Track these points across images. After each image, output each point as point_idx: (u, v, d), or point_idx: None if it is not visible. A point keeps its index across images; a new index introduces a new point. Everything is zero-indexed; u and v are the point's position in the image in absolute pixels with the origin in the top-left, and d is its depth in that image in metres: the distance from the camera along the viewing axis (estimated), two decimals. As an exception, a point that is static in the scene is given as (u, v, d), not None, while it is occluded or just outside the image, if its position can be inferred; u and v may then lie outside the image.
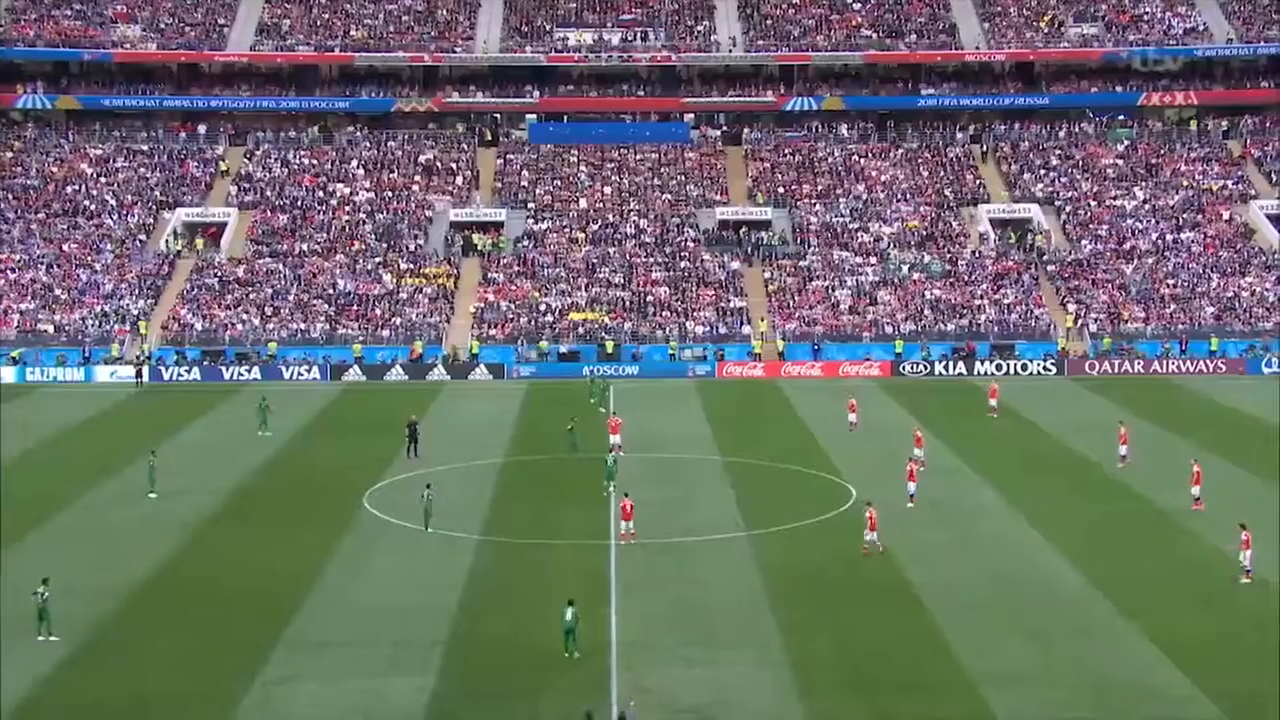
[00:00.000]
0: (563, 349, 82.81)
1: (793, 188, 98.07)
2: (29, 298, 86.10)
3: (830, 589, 38.84)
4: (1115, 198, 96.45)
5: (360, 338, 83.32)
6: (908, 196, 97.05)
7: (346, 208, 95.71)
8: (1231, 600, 37.22)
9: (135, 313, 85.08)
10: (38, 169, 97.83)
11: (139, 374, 78.26)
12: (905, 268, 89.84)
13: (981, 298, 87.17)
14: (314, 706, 30.52)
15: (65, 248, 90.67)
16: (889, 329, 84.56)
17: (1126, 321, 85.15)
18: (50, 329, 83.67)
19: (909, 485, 48.02)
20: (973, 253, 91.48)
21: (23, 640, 34.50)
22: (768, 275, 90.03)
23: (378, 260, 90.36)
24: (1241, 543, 38.46)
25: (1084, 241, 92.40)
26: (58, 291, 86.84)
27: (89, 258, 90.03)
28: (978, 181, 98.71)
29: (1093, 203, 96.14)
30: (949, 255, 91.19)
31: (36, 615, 34.68)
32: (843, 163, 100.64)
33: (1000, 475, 52.61)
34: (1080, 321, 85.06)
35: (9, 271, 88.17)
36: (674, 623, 35.96)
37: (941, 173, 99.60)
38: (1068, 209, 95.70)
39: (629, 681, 31.67)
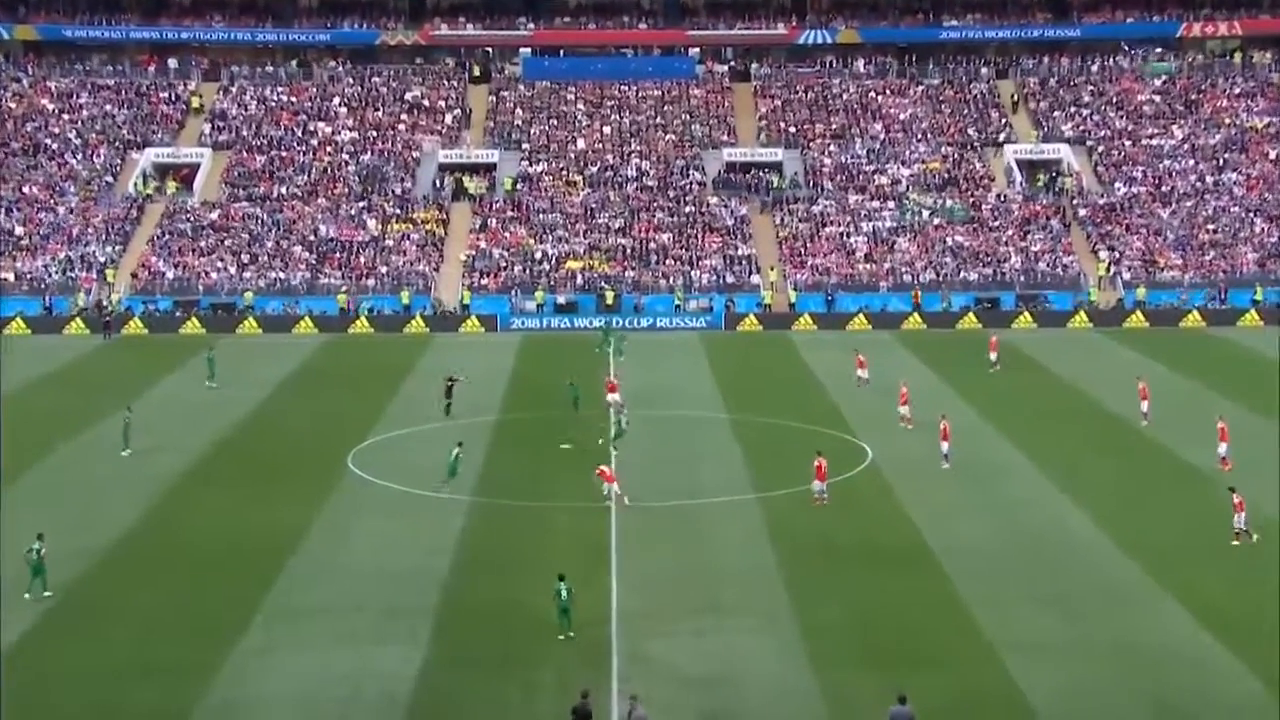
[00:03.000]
0: (560, 299, 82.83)
1: (805, 127, 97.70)
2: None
3: (843, 554, 39.04)
4: (1151, 137, 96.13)
5: (344, 287, 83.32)
6: (928, 136, 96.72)
7: (328, 148, 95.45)
8: (1269, 564, 37.41)
9: (102, 260, 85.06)
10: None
11: (106, 325, 78.35)
12: (925, 213, 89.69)
13: (1007, 244, 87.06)
14: (295, 678, 30.77)
15: (26, 190, 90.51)
16: (907, 278, 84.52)
17: (1163, 269, 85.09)
18: (10, 277, 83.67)
19: (942, 445, 48.27)
20: (998, 196, 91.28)
21: (-13, 607, 34.80)
22: (778, 221, 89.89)
23: (362, 205, 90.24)
24: (1235, 505, 39.02)
25: (1117, 184, 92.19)
26: (19, 235, 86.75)
27: (51, 201, 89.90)
28: (1003, 120, 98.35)
29: (1127, 142, 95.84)
30: (972, 199, 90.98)
31: (31, 571, 35.18)
32: (859, 100, 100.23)
33: (1023, 432, 52.76)
34: (1113, 270, 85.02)
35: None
36: (678, 590, 36.17)
37: (964, 111, 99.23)
38: (1100, 149, 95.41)
39: (629, 651, 31.91)
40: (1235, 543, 39.10)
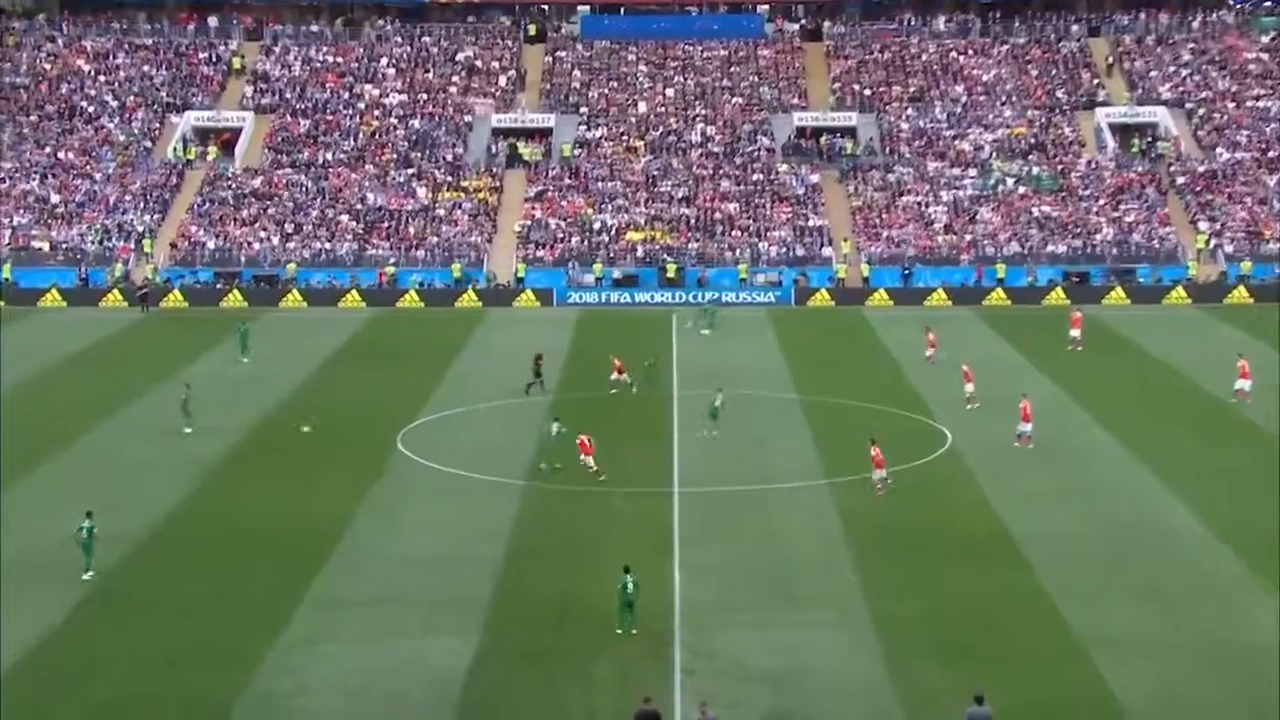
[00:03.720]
0: (618, 273, 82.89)
1: (881, 90, 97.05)
2: (21, 211, 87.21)
3: (920, 543, 38.89)
4: (1258, 98, 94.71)
5: (392, 259, 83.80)
6: (1013, 99, 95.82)
7: (376, 112, 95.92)
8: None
9: (140, 229, 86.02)
10: (28, 65, 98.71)
11: (143, 298, 79.28)
12: (1010, 181, 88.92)
13: (1098, 215, 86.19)
14: (341, 669, 31.04)
15: (61, 155, 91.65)
16: (990, 250, 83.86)
17: (1268, 241, 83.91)
18: (45, 246, 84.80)
19: (1021, 425, 48.02)
20: (1088, 164, 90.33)
21: (28, 588, 35.34)
22: (851, 190, 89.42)
23: (411, 172, 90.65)
24: None
25: (1219, 150, 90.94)
26: (54, 203, 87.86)
27: (88, 166, 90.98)
28: (1095, 81, 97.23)
29: (1230, 104, 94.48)
30: (1060, 166, 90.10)
31: (83, 550, 36.00)
32: (939, 60, 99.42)
33: (1115, 415, 52.34)
34: (1213, 242, 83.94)
35: None
36: (745, 580, 36.18)
37: (1053, 71, 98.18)
38: (1200, 112, 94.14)
39: (693, 645, 31.96)
40: None
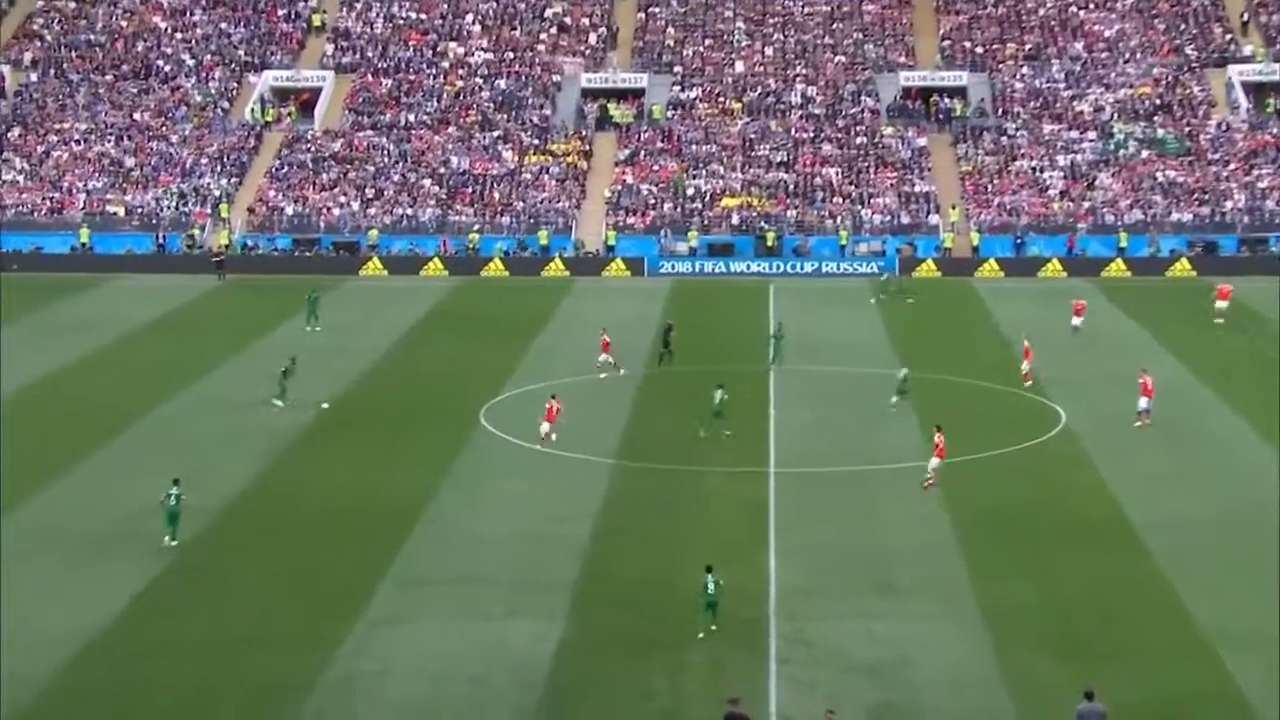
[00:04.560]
0: (714, 241, 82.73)
1: (993, 47, 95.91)
2: (96, 174, 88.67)
3: (1032, 529, 38.53)
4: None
5: (476, 225, 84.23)
6: (1137, 56, 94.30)
7: (460, 71, 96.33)
8: None
9: (217, 193, 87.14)
10: (103, 23, 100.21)
11: (220, 264, 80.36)
12: (1133, 144, 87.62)
13: (1228, 180, 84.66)
14: (423, 652, 31.32)
15: (136, 116, 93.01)
16: (1110, 219, 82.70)
17: None
18: (120, 211, 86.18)
19: (1141, 401, 47.61)
20: (1219, 125, 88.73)
21: (102, 560, 36.03)
22: (961, 154, 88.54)
23: (496, 134, 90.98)
24: None
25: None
26: (129, 166, 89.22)
27: (163, 128, 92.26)
28: (1228, 36, 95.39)
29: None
30: (1188, 128, 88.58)
31: (167, 518, 37.16)
32: (1056, 15, 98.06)
33: (1245, 395, 51.47)
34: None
35: (73, 143, 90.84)
36: (844, 566, 36.07)
37: (1181, 25, 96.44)
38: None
39: (789, 634, 31.92)
40: None
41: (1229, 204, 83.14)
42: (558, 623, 32.63)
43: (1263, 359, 58.05)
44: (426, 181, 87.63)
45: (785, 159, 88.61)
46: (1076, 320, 62.68)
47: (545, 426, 45.83)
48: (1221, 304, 64.57)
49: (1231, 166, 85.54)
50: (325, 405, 51.28)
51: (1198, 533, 38.05)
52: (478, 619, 32.98)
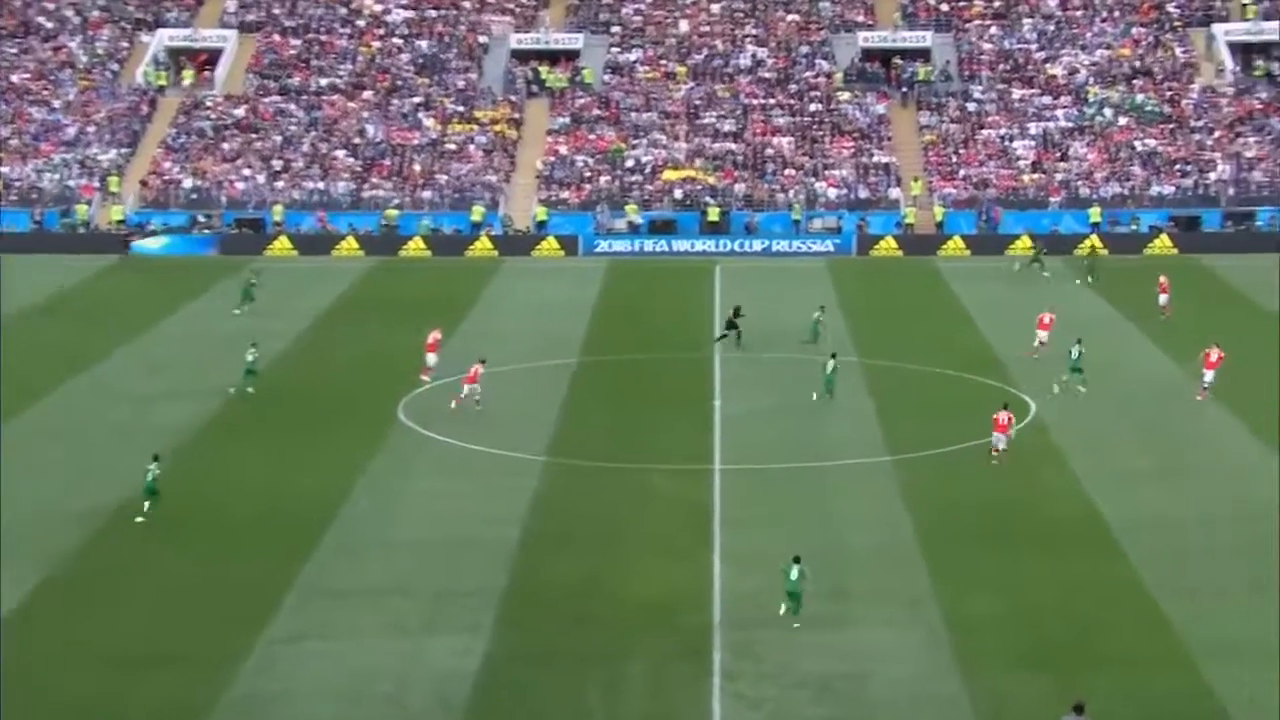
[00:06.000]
0: (655, 217, 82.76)
1: (959, 5, 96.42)
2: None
3: (1000, 529, 38.78)
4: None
5: (395, 200, 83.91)
6: (1115, 14, 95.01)
7: (377, 31, 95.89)
8: None
9: (105, 165, 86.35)
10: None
11: (125, 241, 79.81)
12: (1109, 111, 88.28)
13: (1213, 150, 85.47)
14: (333, 669, 31.19)
15: (14, 79, 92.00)
16: (1085, 191, 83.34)
17: None
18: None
19: (1205, 374, 49.30)
20: (1203, 90, 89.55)
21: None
22: (924, 122, 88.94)
23: (417, 101, 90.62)
24: None
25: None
26: (5, 135, 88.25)
27: (44, 92, 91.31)
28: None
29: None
30: (1169, 93, 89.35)
31: (145, 492, 39.42)
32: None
33: (1227, 384, 51.86)
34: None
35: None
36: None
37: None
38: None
39: (735, 644, 32.00)
40: None
41: (1213, 175, 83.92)
42: (482, 636, 32.55)
43: (1246, 344, 58.64)
44: (340, 153, 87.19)
45: (733, 128, 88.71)
46: (1163, 299, 63.46)
47: (466, 389, 47.60)
48: (1163, 297, 64.62)
49: (1216, 134, 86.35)
50: (232, 390, 51.36)
51: (1177, 534, 38.43)
52: (394, 633, 32.87)
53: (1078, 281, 71.59)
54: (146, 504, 39.27)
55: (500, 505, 40.78)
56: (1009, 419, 44.16)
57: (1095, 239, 79.47)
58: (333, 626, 33.21)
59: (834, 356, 51.48)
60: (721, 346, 57.94)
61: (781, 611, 32.99)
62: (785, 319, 63.52)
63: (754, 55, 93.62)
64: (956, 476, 42.99)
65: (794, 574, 33.12)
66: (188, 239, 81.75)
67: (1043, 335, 55.90)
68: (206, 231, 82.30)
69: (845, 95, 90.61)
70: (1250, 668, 30.91)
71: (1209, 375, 50.04)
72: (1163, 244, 79.54)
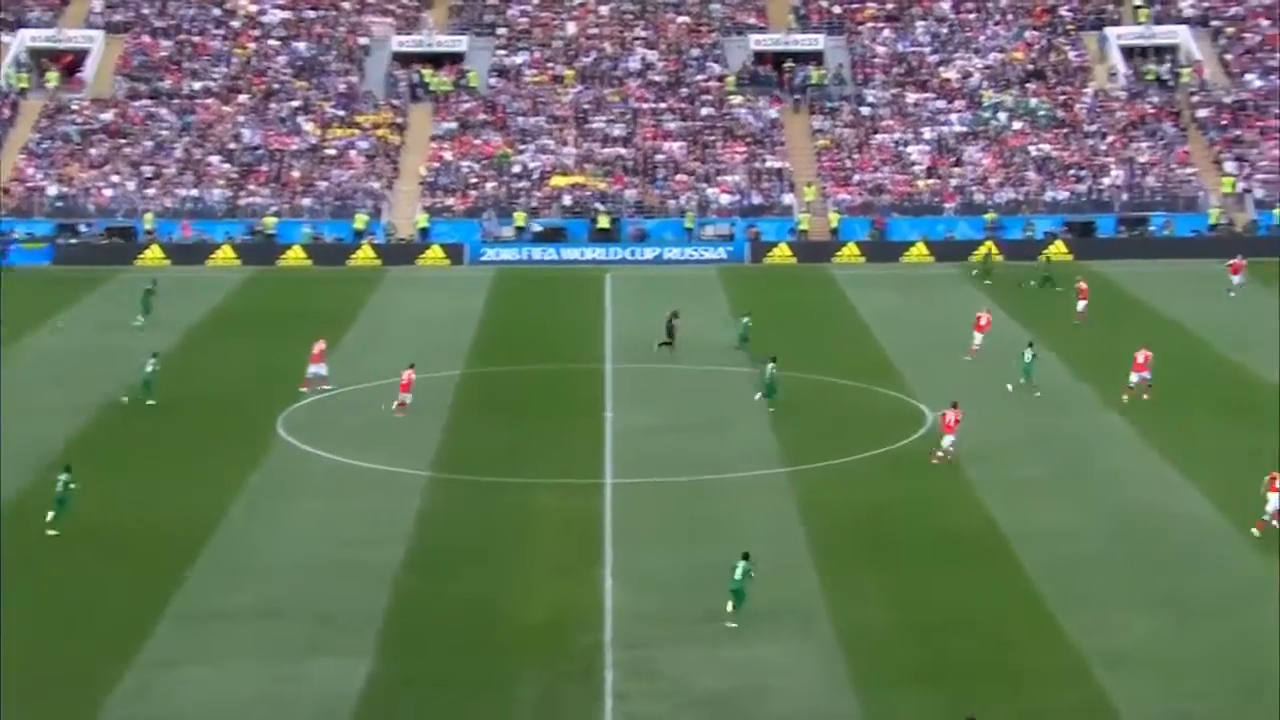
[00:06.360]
0: (543, 225, 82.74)
1: (852, 7, 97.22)
2: None
3: (895, 542, 39.15)
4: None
5: (274, 207, 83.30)
6: (1008, 17, 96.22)
7: (253, 32, 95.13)
8: None
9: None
10: None
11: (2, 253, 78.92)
12: (1003, 115, 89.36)
13: (1107, 155, 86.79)
14: (210, 696, 30.88)
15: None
16: (980, 197, 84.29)
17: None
18: None
19: (1132, 376, 50.49)
20: (1096, 94, 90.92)
21: None
22: (817, 126, 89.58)
23: (295, 105, 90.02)
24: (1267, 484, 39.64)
25: (1250, 76, 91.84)
26: None
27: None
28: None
29: (1264, 22, 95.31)
30: (1063, 97, 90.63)
31: (56, 503, 39.63)
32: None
33: (1122, 390, 52.77)
34: (1241, 185, 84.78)
35: None
36: (689, 587, 36.24)
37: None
38: (1228, 31, 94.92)
39: (627, 664, 32.04)
40: (1255, 531, 39.37)
41: (1107, 180, 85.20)
42: (365, 660, 32.36)
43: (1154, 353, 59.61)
44: (214, 158, 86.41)
45: (623, 132, 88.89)
46: (1081, 304, 64.68)
47: (402, 396, 48.95)
48: (1080, 304, 65.57)
49: (1110, 139, 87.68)
50: (126, 400, 51.49)
51: (1072, 544, 38.90)
52: (274, 657, 32.61)
53: (981, 279, 73.06)
54: (51, 514, 39.42)
55: (383, 524, 40.56)
56: (956, 419, 45.09)
57: (991, 244, 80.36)
58: (210, 650, 32.89)
59: (774, 360, 51.77)
60: (659, 353, 58.59)
61: (731, 625, 33.55)
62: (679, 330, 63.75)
63: (644, 58, 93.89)
64: (853, 488, 43.35)
65: (738, 572, 33.69)
66: (52, 249, 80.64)
67: (978, 338, 57.33)
68: (73, 241, 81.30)
69: (737, 99, 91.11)
70: (1145, 679, 31.43)
71: (1135, 377, 51.36)
72: (1057, 250, 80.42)
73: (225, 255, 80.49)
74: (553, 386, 55.09)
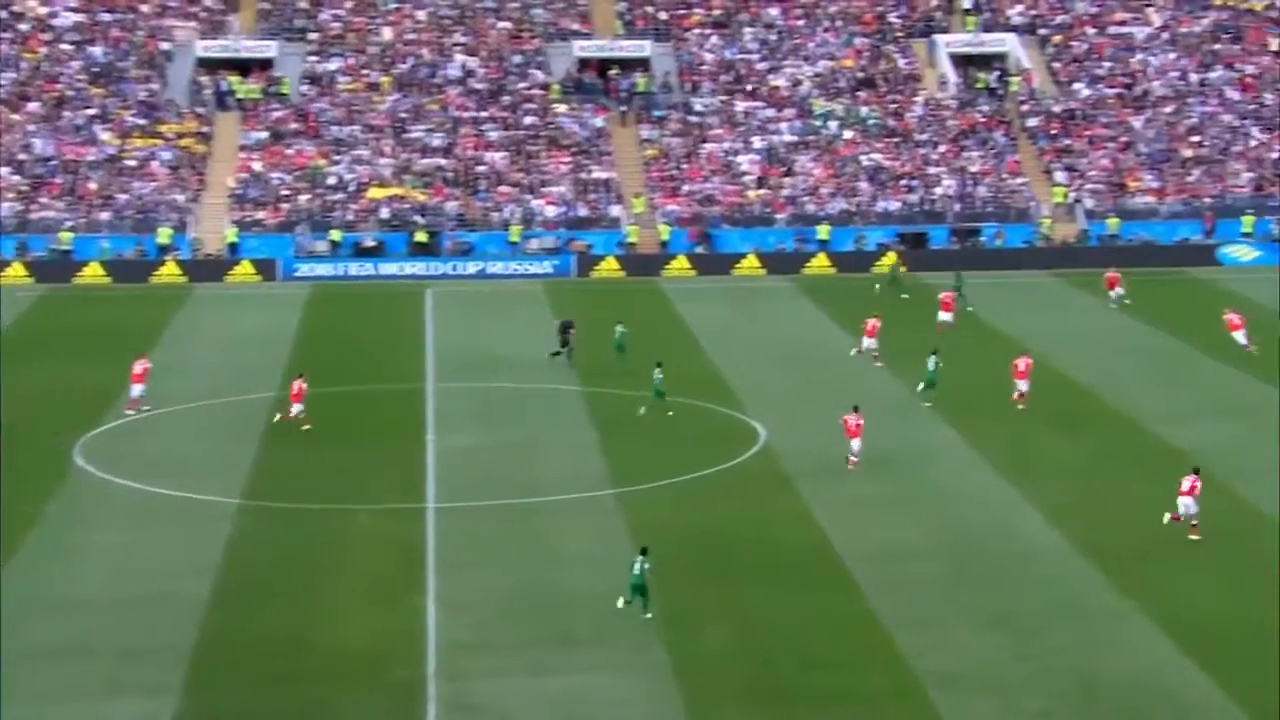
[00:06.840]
0: (360, 239, 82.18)
1: (678, 13, 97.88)
2: None
3: (729, 563, 39.40)
4: (1122, 24, 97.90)
5: (69, 222, 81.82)
6: (837, 24, 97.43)
7: (43, 36, 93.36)
8: (1265, 572, 38.50)
9: None
10: None
11: None
12: (834, 124, 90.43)
13: (938, 164, 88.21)
14: (4, 741, 30.35)
15: None
16: (811, 208, 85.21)
17: (1134, 194, 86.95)
18: None
19: (1018, 384, 52.64)
20: (927, 102, 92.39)
21: None
22: (645, 136, 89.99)
23: (91, 113, 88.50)
24: (1186, 489, 40.83)
25: (1078, 85, 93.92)
26: None
27: None
28: (933, 2, 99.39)
29: (1090, 30, 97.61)
30: (893, 106, 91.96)
31: None
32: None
33: (955, 406, 53.61)
34: (1072, 195, 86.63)
35: None
36: (515, 615, 36.23)
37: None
38: (1056, 39, 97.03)
39: (450, 697, 31.89)
40: (1193, 537, 40.61)
41: (938, 190, 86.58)
42: (170, 698, 31.88)
43: (974, 364, 60.60)
44: (3, 170, 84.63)
45: (443, 142, 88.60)
46: (946, 316, 66.34)
47: (296, 408, 49.80)
48: (945, 315, 66.45)
49: (941, 149, 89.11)
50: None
51: (910, 564, 39.42)
52: (73, 698, 32.01)
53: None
54: None
55: (189, 555, 40.00)
56: (858, 424, 46.26)
57: (823, 257, 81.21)
58: (5, 693, 32.13)
59: (659, 365, 52.50)
60: (555, 364, 59.50)
61: (619, 604, 34.81)
62: (501, 347, 63.67)
63: (464, 65, 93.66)
64: (683, 509, 43.54)
65: (636, 568, 34.70)
66: None
67: (869, 342, 59.74)
68: None
69: (562, 107, 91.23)
70: (980, 699, 31.93)
71: (1022, 384, 53.41)
72: (890, 260, 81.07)
73: (16, 273, 78.83)
74: (372, 407, 54.69)
